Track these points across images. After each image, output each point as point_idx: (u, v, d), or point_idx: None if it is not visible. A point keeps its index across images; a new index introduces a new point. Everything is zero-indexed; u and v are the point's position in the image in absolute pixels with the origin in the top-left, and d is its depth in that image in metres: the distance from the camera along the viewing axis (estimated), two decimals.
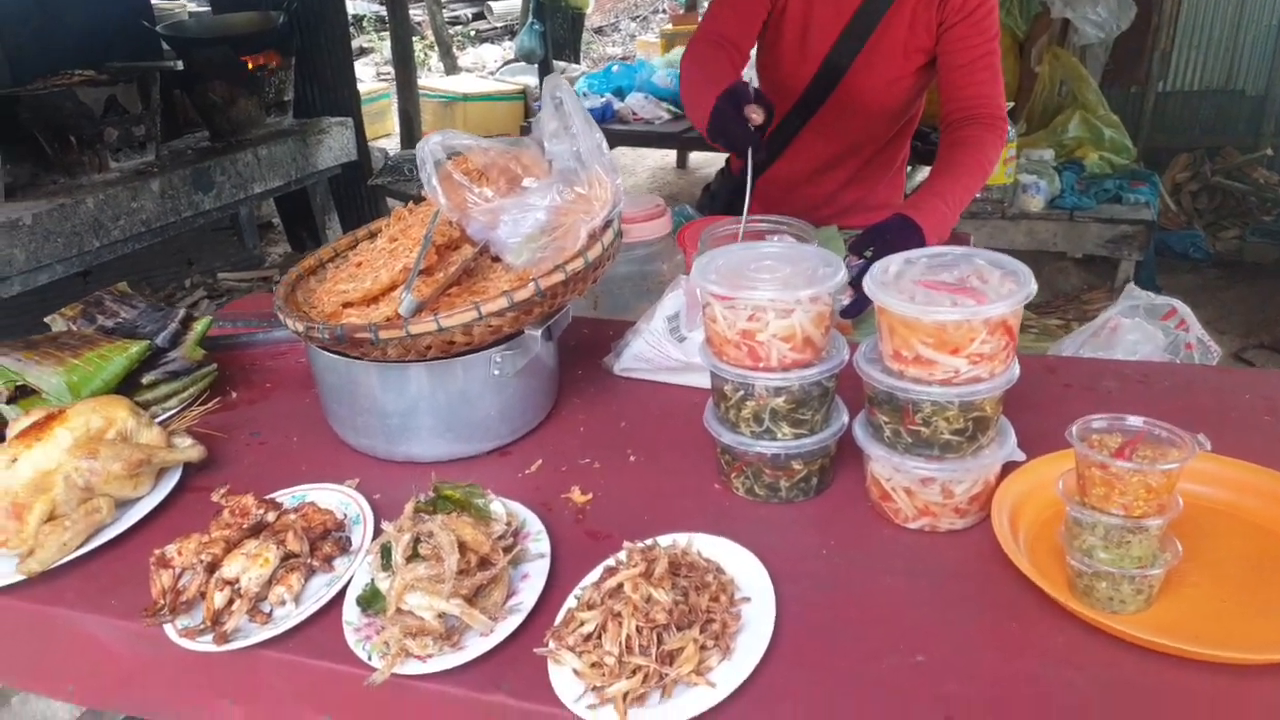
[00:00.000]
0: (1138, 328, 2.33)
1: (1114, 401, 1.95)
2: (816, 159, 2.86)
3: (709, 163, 9.36)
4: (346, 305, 1.81)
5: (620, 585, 1.37)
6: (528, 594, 1.46)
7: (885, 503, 1.62)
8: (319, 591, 1.49)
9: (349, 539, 1.56)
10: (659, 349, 1.98)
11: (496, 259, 1.88)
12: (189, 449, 1.80)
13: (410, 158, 5.84)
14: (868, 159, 2.89)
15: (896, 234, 2.39)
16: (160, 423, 1.84)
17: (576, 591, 1.45)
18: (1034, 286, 1.49)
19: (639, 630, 1.31)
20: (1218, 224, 7.00)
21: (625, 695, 1.27)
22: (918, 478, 1.56)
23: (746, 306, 1.55)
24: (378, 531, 1.59)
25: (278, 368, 2.26)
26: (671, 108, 7.37)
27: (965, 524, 1.60)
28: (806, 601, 1.45)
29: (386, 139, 10.36)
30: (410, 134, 8.74)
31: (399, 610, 1.38)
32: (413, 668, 1.35)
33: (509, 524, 1.54)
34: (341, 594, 1.49)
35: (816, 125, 2.79)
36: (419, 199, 2.01)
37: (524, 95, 10.04)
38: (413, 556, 1.42)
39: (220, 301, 6.03)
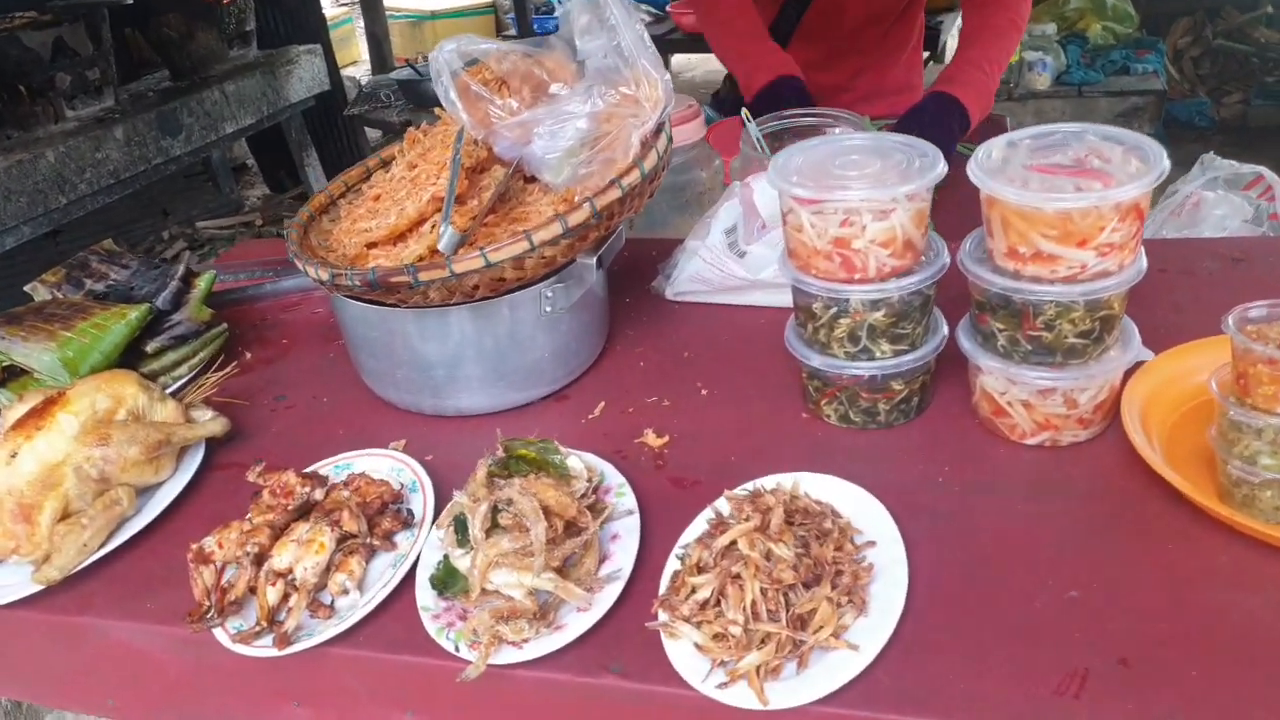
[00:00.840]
0: (1223, 201, 2.14)
1: (1220, 283, 1.77)
2: (823, 45, 2.68)
3: (689, 67, 9.02)
4: (370, 246, 1.60)
5: (733, 543, 1.20)
6: (622, 557, 1.29)
7: (999, 419, 1.45)
8: (384, 574, 1.32)
9: (410, 511, 1.39)
10: (719, 267, 1.79)
11: (530, 179, 1.67)
12: (211, 422, 1.61)
13: (386, 83, 5.52)
14: (877, 40, 2.70)
15: (936, 115, 2.22)
16: (173, 395, 1.64)
17: (678, 550, 1.28)
18: (1167, 164, 1.30)
19: (764, 593, 1.15)
20: (1221, 89, 6.78)
21: (759, 669, 1.11)
22: (1037, 389, 1.38)
23: (838, 210, 1.35)
24: (439, 499, 1.42)
25: (292, 321, 2.05)
26: (651, 9, 7.00)
27: (1089, 435, 1.43)
28: (932, 538, 1.28)
29: (354, 67, 9.93)
30: (381, 58, 8.33)
31: (484, 591, 1.22)
32: (508, 655, 1.18)
33: (590, 480, 1.36)
34: (410, 575, 1.31)
35: (819, 7, 2.61)
36: (401, 127, 1.79)
37: (494, 8, 9.61)
38: (492, 528, 1.25)
39: (202, 253, 5.76)
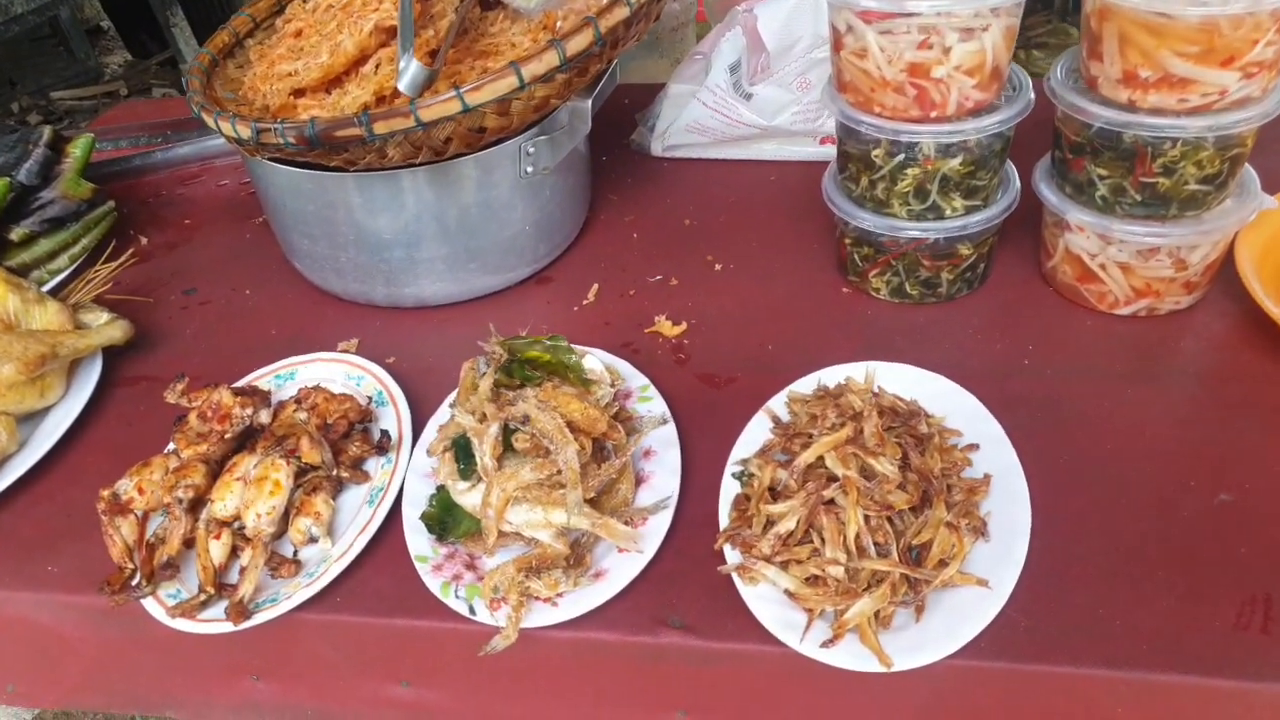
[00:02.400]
0: None
1: None
2: None
3: None
4: (297, 94, 1.25)
5: (820, 460, 0.95)
6: (663, 480, 1.03)
7: (1085, 285, 1.22)
8: (357, 515, 1.04)
9: (385, 432, 1.09)
10: (725, 113, 1.49)
11: (490, 5, 1.33)
12: (107, 326, 1.27)
13: None
14: None
15: None
16: (53, 294, 1.29)
17: (733, 468, 1.02)
18: None
19: (867, 521, 0.90)
20: None
21: (874, 617, 0.87)
22: (1142, 247, 1.15)
23: (913, 29, 1.06)
24: (416, 413, 1.12)
25: (193, 196, 1.68)
26: None
27: (1191, 301, 1.21)
28: (1036, 435, 1.05)
29: None
30: None
31: (500, 534, 0.94)
32: (540, 615, 0.92)
33: (613, 385, 1.08)
34: (393, 514, 1.03)
35: None
36: None
37: None
38: (503, 454, 0.97)
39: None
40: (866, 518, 0.90)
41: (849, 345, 1.21)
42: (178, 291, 1.45)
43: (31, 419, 1.19)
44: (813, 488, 0.93)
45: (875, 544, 0.90)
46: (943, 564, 0.90)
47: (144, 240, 1.56)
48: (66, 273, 1.41)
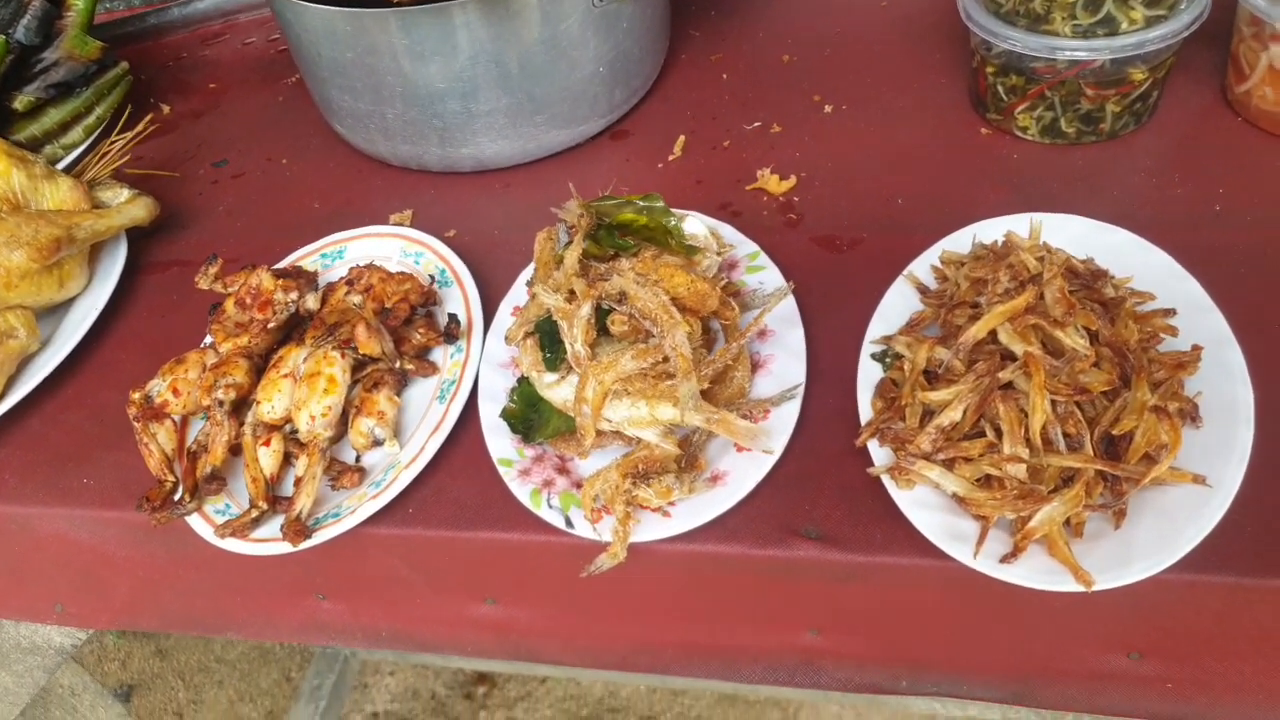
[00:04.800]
0: None
1: None
2: None
3: None
4: None
5: (992, 334, 0.77)
6: (785, 365, 0.85)
7: None
8: (427, 412, 0.88)
9: (454, 317, 0.92)
10: None
11: None
12: (128, 205, 1.11)
13: None
14: None
15: None
16: (68, 171, 1.13)
17: (873, 347, 0.84)
18: None
19: (1054, 408, 0.72)
20: None
21: (1067, 524, 0.71)
22: None
23: None
24: (485, 293, 0.96)
25: (217, 58, 1.49)
26: None
27: None
28: (1245, 295, 0.86)
29: None
30: None
31: (599, 433, 0.78)
32: (651, 528, 0.77)
33: (719, 252, 0.90)
34: (469, 410, 0.88)
35: None
36: None
37: None
38: (597, 339, 0.80)
39: None
40: (1053, 403, 0.72)
41: (993, 196, 1.01)
42: (206, 164, 1.28)
43: (53, 314, 1.05)
44: (984, 368, 0.75)
45: (1065, 435, 0.72)
46: (1147, 458, 0.72)
47: (166, 108, 1.39)
48: (82, 148, 1.24)
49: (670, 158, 1.15)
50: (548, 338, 0.82)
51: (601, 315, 0.80)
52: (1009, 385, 0.74)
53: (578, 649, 0.89)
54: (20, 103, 1.19)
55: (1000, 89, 1.06)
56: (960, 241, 0.91)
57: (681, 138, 1.16)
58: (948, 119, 1.11)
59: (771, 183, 1.07)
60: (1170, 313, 0.83)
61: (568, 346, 0.79)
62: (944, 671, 0.81)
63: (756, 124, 1.16)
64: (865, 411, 0.81)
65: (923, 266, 0.90)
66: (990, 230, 0.91)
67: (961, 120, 1.11)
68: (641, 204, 0.88)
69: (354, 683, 2.22)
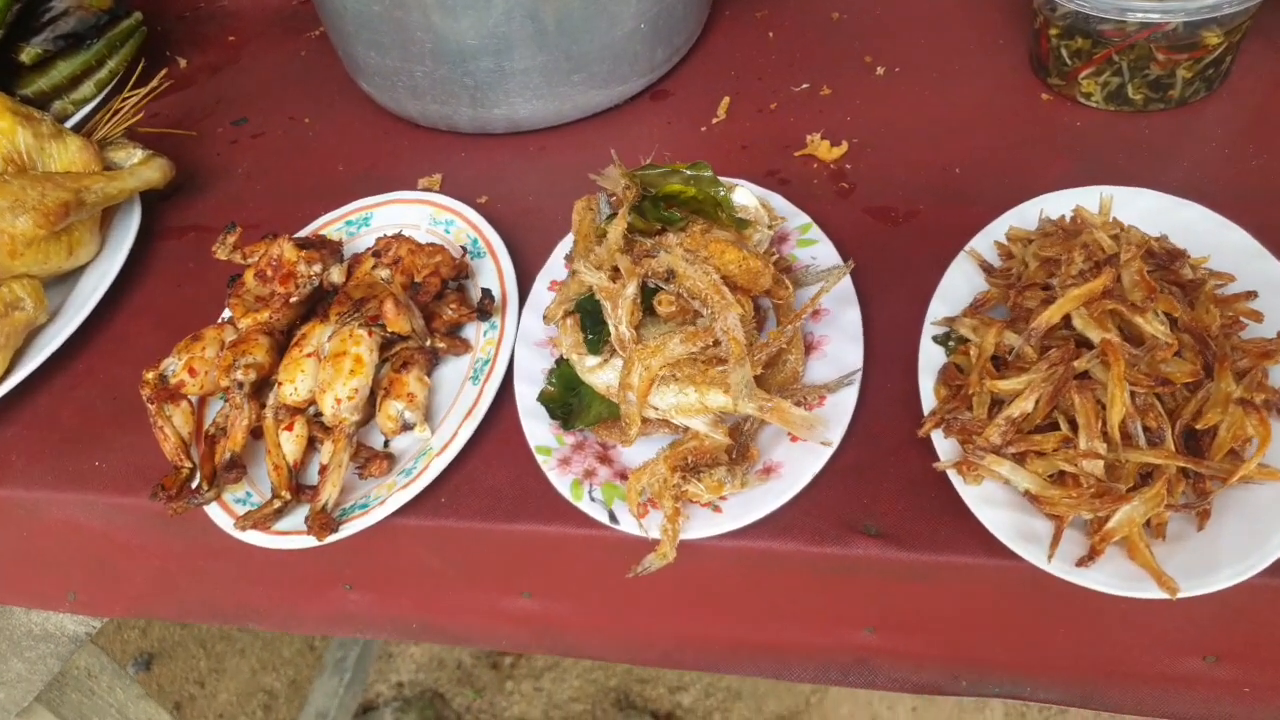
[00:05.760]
0: None
1: None
2: None
3: None
4: None
5: (1067, 319, 0.71)
6: (840, 348, 0.81)
7: None
8: (459, 395, 0.84)
9: (488, 292, 0.87)
10: None
11: None
12: (142, 166, 1.06)
13: None
14: None
15: None
16: (77, 130, 1.07)
17: (934, 330, 0.79)
18: None
19: (1134, 400, 0.67)
20: None
21: (1147, 525, 0.66)
22: None
23: None
24: (520, 266, 0.91)
25: (235, 8, 1.43)
26: None
27: None
28: None
29: None
30: None
31: (645, 421, 0.74)
32: (702, 524, 0.72)
33: (771, 225, 0.85)
34: (504, 392, 0.83)
35: None
36: None
37: None
38: (643, 319, 0.75)
39: None
40: (1133, 395, 0.67)
41: (1056, 166, 0.95)
42: (225, 123, 1.23)
43: (62, 283, 1.01)
44: (1057, 356, 0.70)
45: (1144, 429, 0.67)
46: (1233, 454, 0.68)
47: (182, 62, 1.33)
48: (94, 103, 1.19)
49: (714, 120, 1.09)
50: (589, 318, 0.77)
51: (647, 294, 0.75)
52: (1084, 375, 0.69)
53: (618, 644, 0.85)
54: (27, 55, 1.14)
55: (1064, 52, 1.00)
56: (1025, 216, 0.85)
57: (726, 99, 1.10)
58: (1006, 83, 1.05)
59: (822, 149, 1.01)
60: (1252, 295, 0.77)
61: (611, 328, 0.74)
62: (1007, 673, 0.76)
63: (805, 86, 1.10)
64: (927, 398, 0.76)
65: (985, 242, 0.85)
66: (1056, 204, 0.85)
67: (1021, 85, 1.05)
68: (689, 173, 0.82)
69: (379, 653, 2.21)
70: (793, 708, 1.97)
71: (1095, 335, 0.70)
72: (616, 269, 0.75)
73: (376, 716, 2.12)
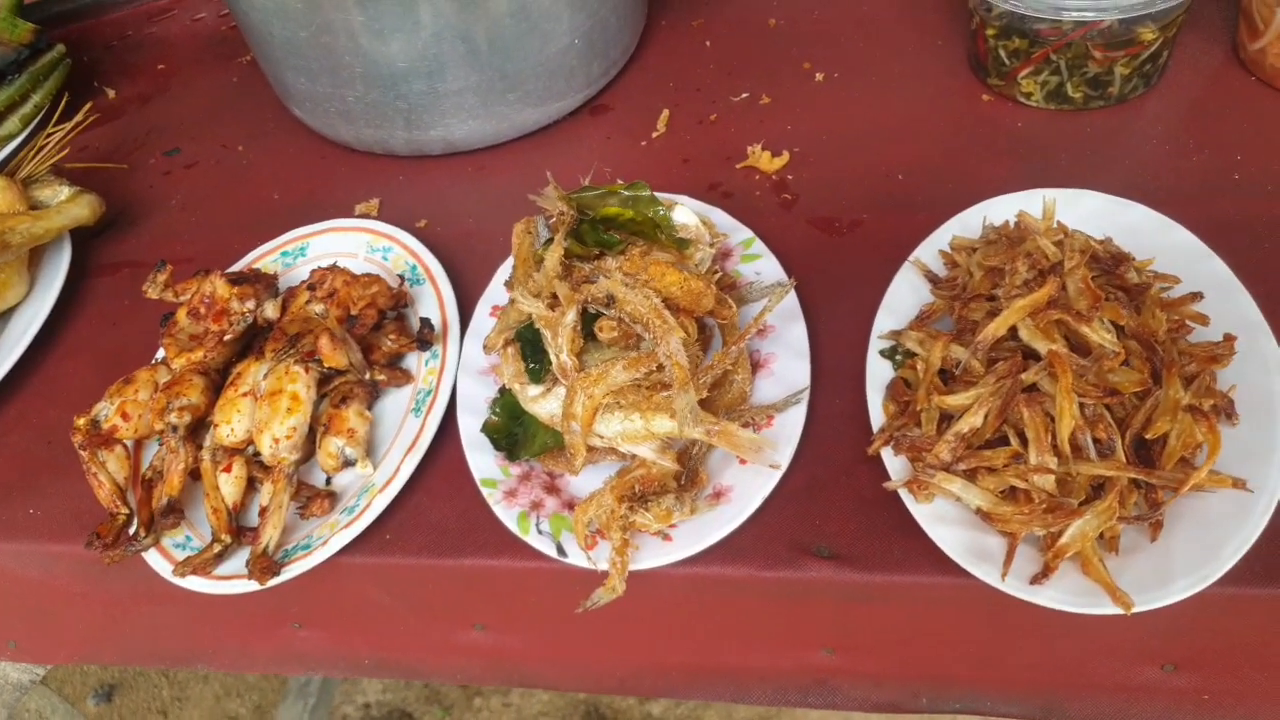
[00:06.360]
0: None
1: None
2: None
3: None
4: None
5: (1012, 329, 0.71)
6: (786, 365, 0.79)
7: None
8: (401, 428, 0.82)
9: (427, 321, 0.85)
10: None
11: None
12: (69, 203, 1.03)
13: None
14: None
15: None
16: (1, 169, 1.04)
17: (881, 344, 0.78)
18: None
19: (1082, 411, 0.67)
20: None
21: (1099, 539, 0.65)
22: None
23: None
24: (460, 291, 0.89)
25: (164, 35, 1.40)
26: None
27: None
28: (1274, 273, 0.80)
29: None
30: None
31: (590, 449, 0.72)
32: (652, 553, 0.71)
33: (712, 244, 0.84)
34: (447, 422, 0.81)
35: None
36: None
37: None
38: (586, 346, 0.73)
39: None
40: (1081, 406, 0.67)
41: (998, 168, 0.95)
42: (157, 153, 1.20)
43: None
44: (1005, 369, 0.69)
45: (1095, 440, 0.67)
46: (1183, 462, 0.67)
47: (111, 93, 1.30)
48: (19, 139, 1.15)
49: (654, 134, 1.08)
50: (530, 346, 0.75)
51: (588, 320, 0.74)
52: (1033, 387, 0.68)
53: (574, 674, 0.83)
54: None
55: (1002, 53, 0.99)
56: (968, 223, 0.85)
57: (665, 112, 1.09)
58: (946, 86, 1.05)
59: (763, 160, 1.00)
60: (1197, 297, 0.77)
61: (552, 357, 0.72)
62: (967, 688, 0.76)
63: (744, 95, 1.09)
64: (876, 414, 0.75)
65: (930, 251, 0.84)
66: (1000, 209, 0.85)
67: (961, 87, 1.04)
68: (626, 194, 0.81)
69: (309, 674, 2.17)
70: (763, 714, 1.96)
71: (1041, 346, 0.69)
72: (555, 296, 0.74)
73: None
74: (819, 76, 1.09)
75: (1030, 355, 0.70)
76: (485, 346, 0.79)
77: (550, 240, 0.79)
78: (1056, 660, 0.72)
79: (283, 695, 2.10)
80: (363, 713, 2.15)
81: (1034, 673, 0.73)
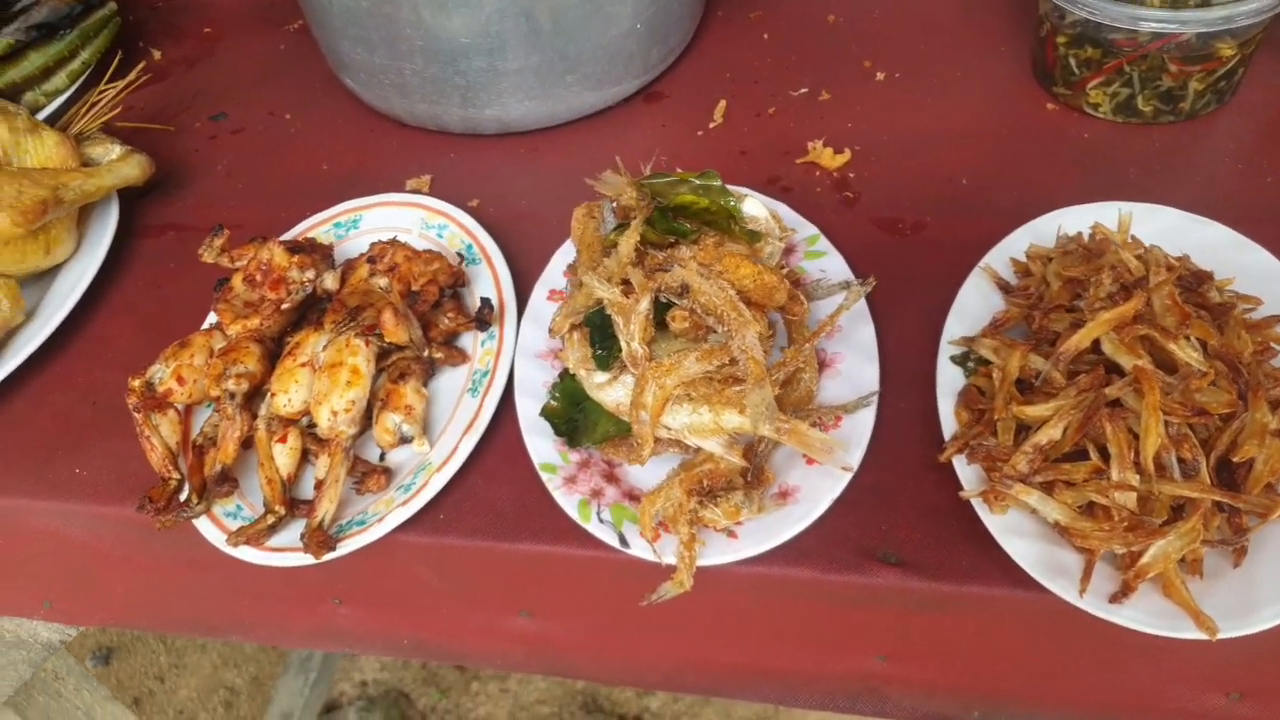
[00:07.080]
0: None
1: None
2: None
3: None
4: None
5: (1095, 344, 0.70)
6: (853, 366, 0.78)
7: None
8: (457, 407, 0.80)
9: (487, 301, 0.84)
10: None
11: None
12: (120, 162, 1.01)
13: None
14: None
15: None
16: (52, 123, 1.02)
17: (951, 350, 0.77)
18: None
19: (1168, 430, 0.66)
20: None
21: (1181, 561, 0.64)
22: None
23: None
24: (517, 272, 0.88)
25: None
26: None
27: None
28: None
29: None
30: None
31: (657, 440, 0.71)
32: (716, 550, 0.70)
33: (782, 238, 0.82)
34: (504, 404, 0.80)
35: None
36: None
37: None
38: (655, 336, 0.72)
39: None
40: (1166, 424, 0.65)
41: (1064, 178, 0.94)
42: (203, 117, 1.18)
43: (38, 282, 0.96)
44: (1087, 382, 0.68)
45: (1179, 460, 0.66)
46: (1269, 488, 0.66)
47: (157, 54, 1.28)
48: (66, 95, 1.14)
49: (711, 124, 1.06)
50: (598, 332, 0.74)
51: (658, 309, 0.72)
52: (1115, 402, 0.67)
53: (618, 667, 0.82)
54: None
55: (1072, 61, 0.98)
56: (1040, 231, 0.83)
57: (723, 103, 1.07)
58: (1009, 92, 1.03)
59: (824, 156, 0.99)
60: (1278, 319, 0.76)
61: (623, 344, 0.71)
62: (1023, 705, 0.75)
63: (803, 90, 1.08)
64: (947, 421, 0.73)
65: (998, 257, 0.83)
66: (1072, 220, 0.83)
67: (1025, 93, 1.03)
68: (698, 183, 0.79)
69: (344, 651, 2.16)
70: (760, 713, 1.95)
71: (1127, 361, 0.68)
72: (627, 282, 0.72)
73: (340, 716, 2.08)
74: (879, 75, 1.08)
75: (1112, 370, 0.69)
76: (551, 330, 0.77)
77: (621, 226, 0.78)
78: (1122, 682, 0.71)
79: (283, 669, 2.08)
80: (359, 690, 2.14)
81: (1097, 694, 0.72)
